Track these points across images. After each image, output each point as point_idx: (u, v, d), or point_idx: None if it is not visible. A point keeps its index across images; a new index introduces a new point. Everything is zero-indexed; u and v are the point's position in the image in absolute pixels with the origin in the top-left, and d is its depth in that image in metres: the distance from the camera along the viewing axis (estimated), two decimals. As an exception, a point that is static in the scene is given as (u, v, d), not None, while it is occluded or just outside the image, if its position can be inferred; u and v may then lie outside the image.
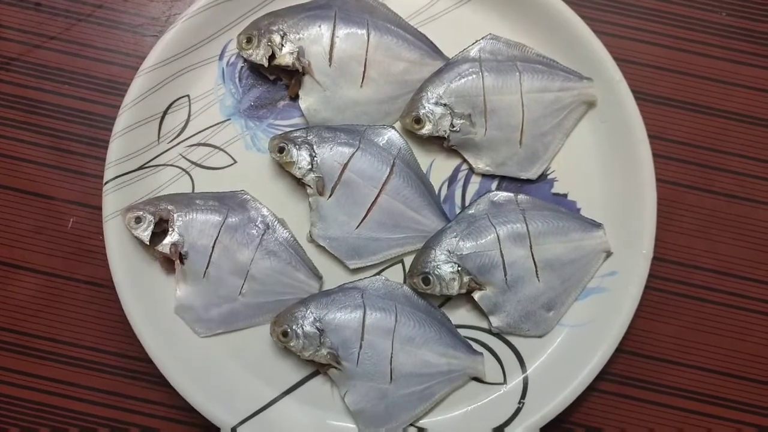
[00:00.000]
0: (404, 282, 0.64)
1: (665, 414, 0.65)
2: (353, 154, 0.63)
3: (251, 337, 0.63)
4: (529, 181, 0.66)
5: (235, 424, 0.60)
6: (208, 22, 0.65)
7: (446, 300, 0.64)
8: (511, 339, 0.64)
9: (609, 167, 0.65)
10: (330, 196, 0.63)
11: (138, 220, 0.62)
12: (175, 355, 0.61)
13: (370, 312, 0.61)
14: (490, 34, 0.66)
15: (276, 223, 0.64)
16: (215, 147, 0.66)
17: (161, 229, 0.62)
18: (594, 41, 0.65)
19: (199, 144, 0.66)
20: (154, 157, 0.65)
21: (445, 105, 0.64)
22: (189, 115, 0.66)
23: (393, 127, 0.65)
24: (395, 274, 0.65)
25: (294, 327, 0.60)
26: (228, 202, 0.63)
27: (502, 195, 0.64)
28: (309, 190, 0.63)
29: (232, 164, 0.66)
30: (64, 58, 0.69)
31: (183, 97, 0.66)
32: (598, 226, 0.64)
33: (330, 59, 0.65)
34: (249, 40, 0.64)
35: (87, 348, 0.65)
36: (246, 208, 0.63)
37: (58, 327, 0.66)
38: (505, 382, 0.63)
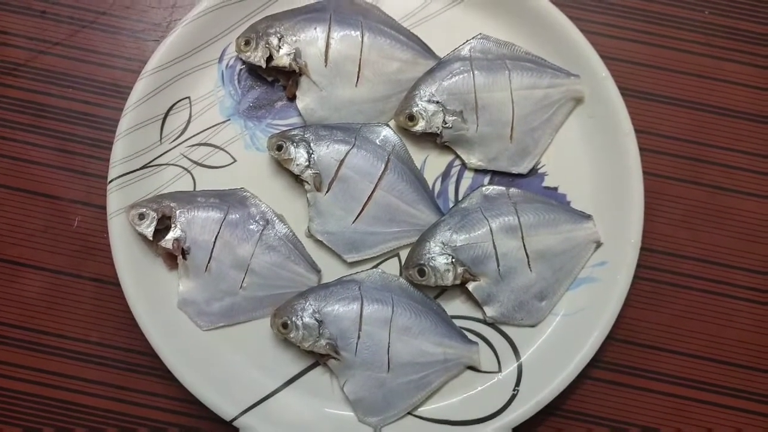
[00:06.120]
0: (400, 274, 0.65)
1: (655, 400, 0.66)
2: (349, 151, 0.64)
3: (252, 329, 0.64)
4: (520, 175, 0.67)
5: (237, 414, 0.61)
6: (207, 27, 0.67)
7: (441, 291, 0.65)
8: (505, 328, 0.65)
9: (597, 161, 0.66)
10: (327, 192, 0.64)
11: (141, 216, 0.63)
12: (179, 348, 0.62)
13: (368, 303, 0.62)
14: (480, 33, 0.67)
15: (275, 218, 0.65)
16: (216, 146, 0.67)
17: (164, 225, 0.63)
18: (581, 40, 0.66)
19: (200, 144, 0.67)
20: (157, 157, 0.66)
21: (437, 102, 0.65)
22: (190, 116, 0.67)
23: (387, 125, 0.66)
24: (392, 267, 0.66)
25: (293, 319, 0.61)
26: (228, 199, 0.65)
27: (494, 189, 0.65)
28: (307, 187, 0.64)
29: (232, 163, 0.67)
30: (69, 63, 0.71)
31: (184, 98, 0.67)
32: (587, 217, 0.65)
33: (326, 60, 0.66)
34: (247, 43, 0.66)
35: (93, 343, 0.67)
36: (246, 205, 0.65)
37: (65, 323, 0.67)
38: (499, 370, 0.64)
